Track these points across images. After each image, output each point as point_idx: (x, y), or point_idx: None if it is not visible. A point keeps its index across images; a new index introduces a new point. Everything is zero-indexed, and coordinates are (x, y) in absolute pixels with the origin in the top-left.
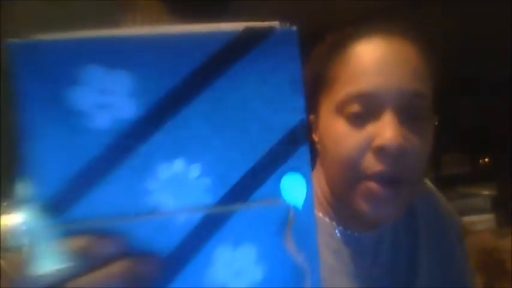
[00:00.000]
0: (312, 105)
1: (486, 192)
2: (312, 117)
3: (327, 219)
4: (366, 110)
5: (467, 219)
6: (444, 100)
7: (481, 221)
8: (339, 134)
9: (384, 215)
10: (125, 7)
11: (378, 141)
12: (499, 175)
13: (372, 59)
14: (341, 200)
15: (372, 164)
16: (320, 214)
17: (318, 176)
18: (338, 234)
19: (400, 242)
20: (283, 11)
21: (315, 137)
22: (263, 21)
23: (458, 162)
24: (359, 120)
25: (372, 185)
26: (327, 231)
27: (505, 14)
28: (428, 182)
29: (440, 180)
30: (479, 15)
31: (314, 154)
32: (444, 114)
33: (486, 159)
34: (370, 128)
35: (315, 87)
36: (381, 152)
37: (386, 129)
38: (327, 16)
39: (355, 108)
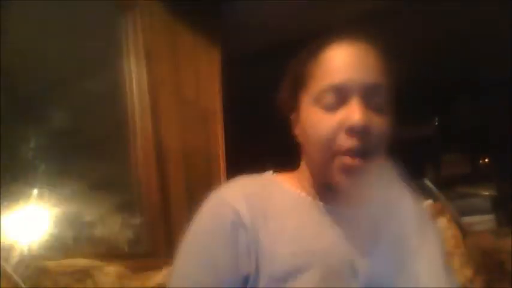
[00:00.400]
0: (293, 104)
1: (486, 193)
2: (293, 115)
3: (311, 198)
4: (337, 99)
5: (467, 219)
6: (444, 100)
7: (481, 222)
8: (316, 120)
9: (355, 182)
10: (125, 7)
11: (348, 122)
12: (498, 175)
13: (341, 58)
14: (321, 178)
15: (344, 141)
16: (304, 194)
17: (303, 166)
18: (320, 208)
19: (372, 225)
20: (283, 11)
21: (296, 131)
22: (263, 20)
23: (458, 163)
24: (332, 107)
25: (346, 159)
26: (311, 206)
27: (505, 14)
28: (428, 182)
29: (440, 180)
30: (479, 15)
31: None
32: (444, 114)
33: (486, 160)
34: (341, 113)
35: (295, 89)
36: (351, 130)
37: (354, 112)
38: (327, 15)
39: (328, 98)
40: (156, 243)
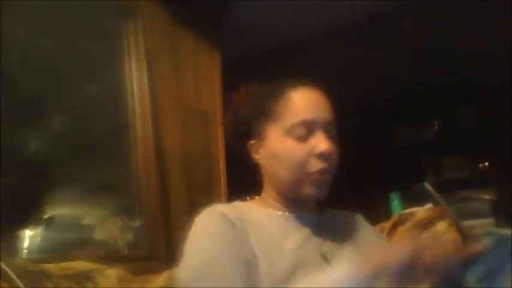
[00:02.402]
0: (254, 132)
1: (486, 196)
2: (252, 142)
3: (280, 212)
4: (306, 132)
5: (467, 223)
6: (444, 104)
7: (481, 225)
8: (289, 148)
9: (322, 192)
10: (126, 10)
11: (318, 150)
12: (498, 179)
13: (308, 99)
14: (291, 193)
15: (315, 164)
16: (271, 209)
17: (267, 188)
18: (287, 216)
19: (335, 227)
20: (284, 10)
21: (257, 156)
22: (264, 23)
23: (458, 166)
24: (302, 138)
25: (317, 175)
26: (280, 216)
27: (505, 14)
28: (428, 186)
29: (441, 184)
30: (479, 15)
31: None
32: (444, 117)
33: (486, 163)
34: (311, 143)
35: (259, 120)
36: (320, 156)
37: (321, 142)
38: (328, 15)
39: (300, 131)
40: (156, 246)
